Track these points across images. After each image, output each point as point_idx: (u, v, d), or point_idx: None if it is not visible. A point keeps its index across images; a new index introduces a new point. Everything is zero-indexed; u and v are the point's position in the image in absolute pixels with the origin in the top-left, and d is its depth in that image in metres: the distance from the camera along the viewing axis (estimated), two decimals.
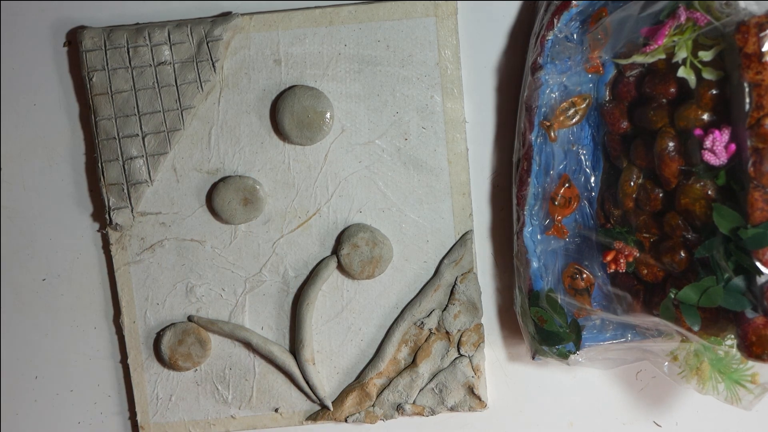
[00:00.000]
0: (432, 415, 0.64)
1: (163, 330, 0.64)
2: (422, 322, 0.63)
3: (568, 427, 0.67)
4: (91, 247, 0.64)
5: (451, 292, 0.63)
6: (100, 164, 0.61)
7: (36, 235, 0.65)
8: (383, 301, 0.64)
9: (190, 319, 0.64)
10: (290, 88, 0.61)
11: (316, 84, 0.61)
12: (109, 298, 0.65)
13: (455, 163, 0.62)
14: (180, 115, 0.61)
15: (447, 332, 0.64)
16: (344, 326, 0.64)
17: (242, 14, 0.60)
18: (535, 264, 0.60)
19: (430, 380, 0.64)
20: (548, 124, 0.58)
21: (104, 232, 0.63)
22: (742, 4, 0.49)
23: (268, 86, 0.61)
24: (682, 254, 0.55)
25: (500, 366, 0.67)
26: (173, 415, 0.65)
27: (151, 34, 0.59)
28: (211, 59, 0.60)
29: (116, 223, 0.62)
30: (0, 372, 0.66)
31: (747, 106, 0.49)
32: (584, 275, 0.61)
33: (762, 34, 0.48)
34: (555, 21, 0.55)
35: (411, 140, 0.62)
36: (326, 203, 0.63)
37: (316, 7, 0.60)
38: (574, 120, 0.59)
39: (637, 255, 0.57)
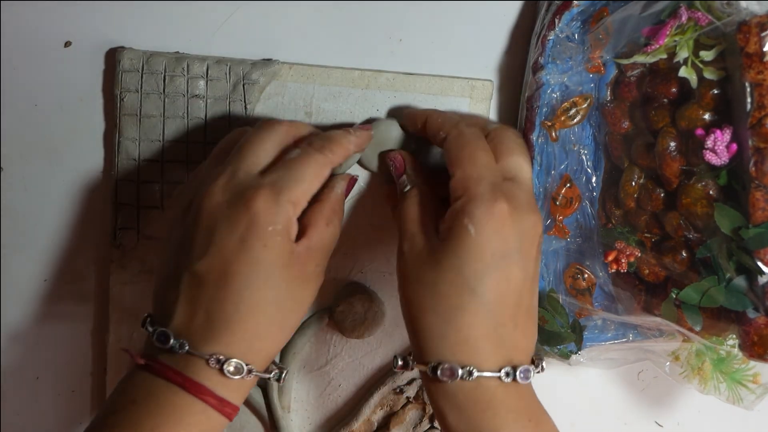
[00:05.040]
0: None
1: None
2: (402, 389, 0.64)
3: (569, 427, 0.67)
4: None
5: None
6: (115, 182, 0.61)
7: (37, 236, 0.64)
8: (368, 361, 0.64)
9: None
10: None
11: None
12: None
13: None
14: (204, 149, 0.61)
15: (424, 403, 0.64)
16: (325, 380, 0.64)
17: (283, 62, 0.61)
18: None
19: None
20: (549, 124, 0.58)
21: (110, 244, 0.63)
22: (743, 3, 0.48)
23: None
24: (684, 254, 0.55)
25: None
26: None
27: (190, 65, 0.60)
28: (245, 101, 0.61)
29: (120, 243, 0.62)
30: (0, 372, 0.65)
31: (748, 106, 0.49)
32: (586, 275, 0.60)
33: (763, 34, 0.47)
34: (556, 21, 0.55)
35: None
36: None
37: (355, 69, 0.61)
38: (575, 120, 0.58)
39: (639, 255, 0.57)
